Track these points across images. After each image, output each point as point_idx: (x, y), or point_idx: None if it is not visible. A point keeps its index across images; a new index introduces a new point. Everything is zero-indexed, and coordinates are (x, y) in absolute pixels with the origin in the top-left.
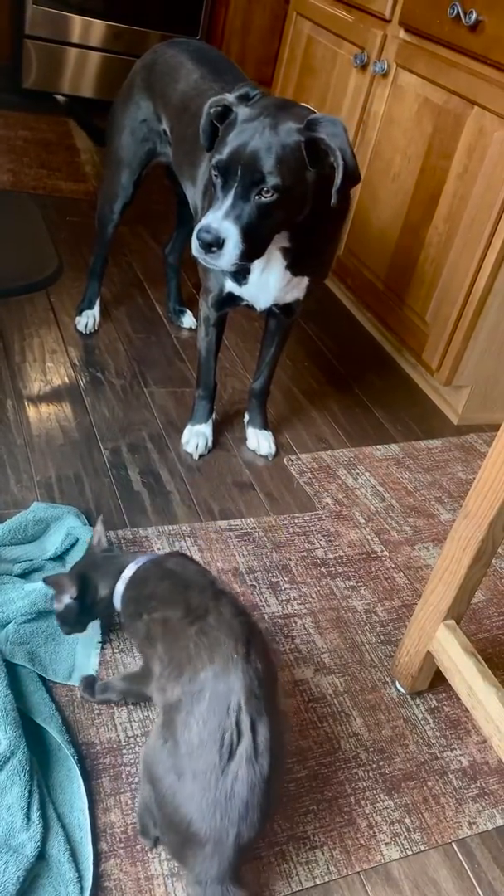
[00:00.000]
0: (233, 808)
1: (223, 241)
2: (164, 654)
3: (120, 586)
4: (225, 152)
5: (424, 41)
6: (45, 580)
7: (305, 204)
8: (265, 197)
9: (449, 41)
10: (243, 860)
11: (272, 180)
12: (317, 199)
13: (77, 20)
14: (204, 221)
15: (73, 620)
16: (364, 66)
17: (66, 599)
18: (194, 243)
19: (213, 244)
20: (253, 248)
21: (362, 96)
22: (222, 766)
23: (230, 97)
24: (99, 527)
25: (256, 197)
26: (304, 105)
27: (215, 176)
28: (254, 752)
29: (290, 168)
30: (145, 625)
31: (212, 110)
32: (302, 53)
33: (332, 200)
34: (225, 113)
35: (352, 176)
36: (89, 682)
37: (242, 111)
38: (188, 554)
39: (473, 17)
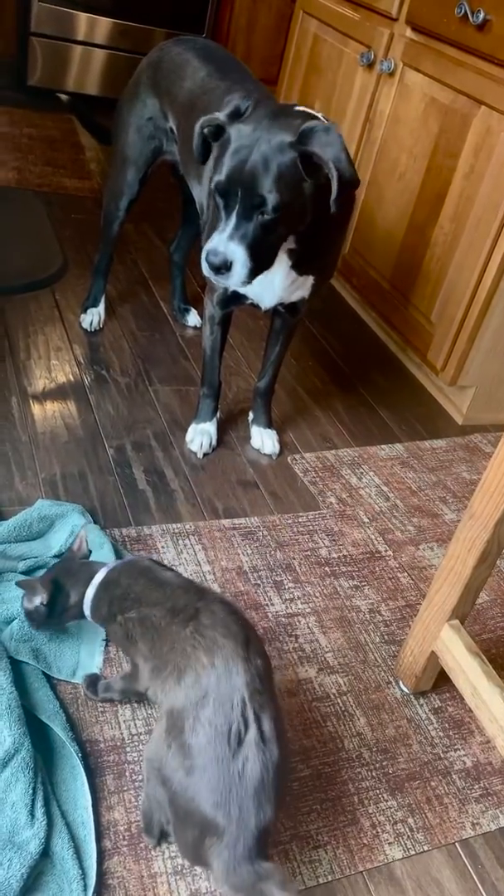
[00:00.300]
0: (248, 786)
1: (231, 263)
2: (151, 652)
3: (90, 592)
4: (223, 175)
5: (431, 40)
6: (18, 583)
7: (307, 214)
8: (267, 215)
9: (456, 40)
10: (267, 840)
11: (272, 201)
12: (318, 206)
13: (83, 17)
14: (210, 245)
15: (41, 621)
16: (370, 65)
17: (36, 601)
18: (203, 265)
19: (222, 267)
20: (260, 263)
21: (368, 95)
22: (232, 752)
23: (221, 116)
24: (83, 532)
25: (259, 217)
26: (299, 108)
27: (217, 197)
28: (261, 739)
29: (288, 185)
30: (121, 625)
31: (205, 130)
32: (308, 52)
33: (332, 209)
34: (218, 131)
35: (349, 184)
36: (92, 681)
37: (235, 130)
38: (193, 553)
39: (481, 16)
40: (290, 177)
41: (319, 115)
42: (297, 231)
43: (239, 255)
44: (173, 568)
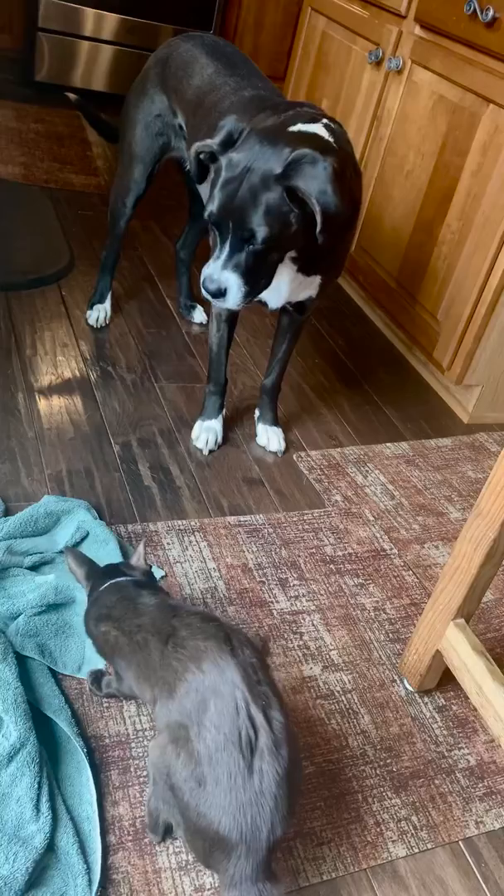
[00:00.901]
0: (264, 806)
1: (226, 289)
2: (131, 667)
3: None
4: (214, 208)
5: (440, 38)
6: (66, 550)
7: (299, 239)
8: (257, 246)
9: (465, 38)
10: (275, 855)
11: (261, 234)
12: (311, 230)
13: (90, 13)
14: (206, 271)
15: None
16: (379, 63)
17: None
18: (203, 290)
19: (218, 294)
20: (257, 285)
21: (376, 93)
22: (247, 765)
23: (214, 144)
24: (141, 548)
25: (250, 247)
26: (294, 129)
27: (211, 226)
28: (274, 744)
29: (276, 218)
30: (105, 635)
31: (202, 156)
32: (316, 49)
33: (319, 240)
34: (213, 156)
35: (332, 218)
36: (97, 677)
37: (225, 160)
38: (198, 550)
39: (490, 13)
40: (277, 210)
41: (320, 126)
42: (292, 250)
43: (233, 282)
44: (155, 584)
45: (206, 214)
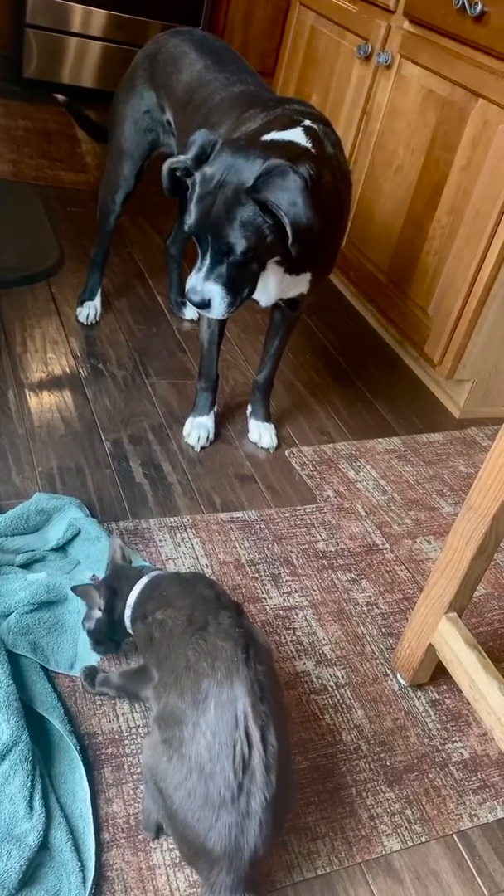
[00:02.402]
0: (248, 829)
1: (210, 300)
2: (164, 658)
3: (135, 592)
4: (192, 222)
5: (429, 32)
6: (74, 589)
7: (278, 247)
8: (236, 257)
9: (454, 32)
10: (257, 869)
11: (239, 247)
12: (285, 235)
13: (78, 9)
14: (189, 283)
15: (104, 637)
16: (368, 58)
17: (96, 614)
18: (188, 300)
19: (202, 305)
20: (240, 294)
21: (366, 88)
22: (238, 782)
23: (188, 160)
24: (116, 541)
25: (229, 259)
26: (267, 138)
27: (192, 238)
28: (265, 767)
29: (251, 231)
30: (147, 627)
31: (178, 173)
32: (305, 44)
33: (292, 252)
34: (188, 171)
35: (305, 229)
36: (90, 673)
37: (199, 175)
38: (191, 546)
39: (479, 7)
40: (251, 223)
41: (297, 131)
42: (274, 257)
43: (216, 293)
44: (216, 584)
45: (185, 227)
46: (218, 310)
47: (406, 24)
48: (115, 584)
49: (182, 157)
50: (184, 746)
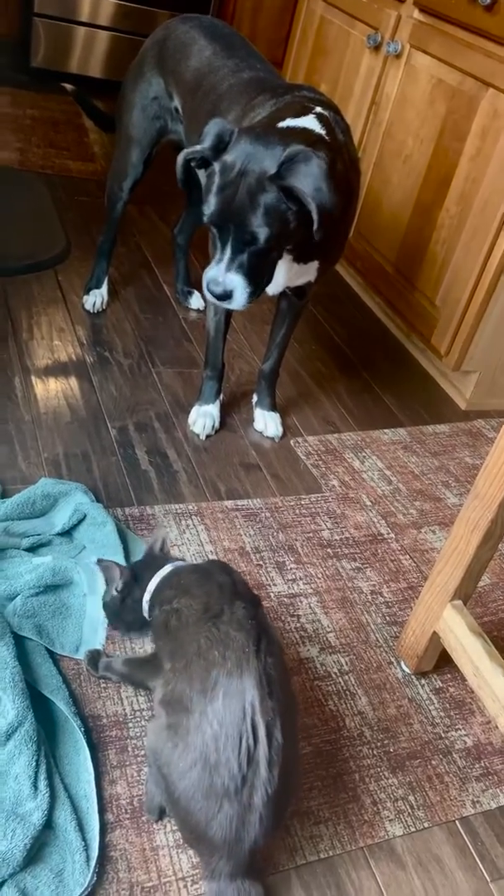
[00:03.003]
0: (249, 822)
1: (231, 291)
2: (177, 647)
3: (154, 581)
4: (213, 212)
5: (439, 21)
6: (100, 562)
7: (299, 233)
8: (259, 246)
9: (464, 22)
10: (257, 856)
11: (262, 235)
12: (309, 225)
13: None
14: (210, 274)
15: (116, 617)
16: (377, 47)
17: (113, 592)
18: (207, 294)
19: (223, 297)
20: (260, 284)
21: (375, 77)
22: (241, 775)
23: (206, 149)
24: (160, 531)
25: (251, 248)
26: (283, 125)
27: (211, 229)
28: (268, 763)
29: (275, 218)
30: (164, 614)
31: (193, 164)
32: (314, 34)
33: (315, 237)
34: (204, 162)
35: (328, 214)
36: (94, 657)
37: (219, 165)
38: (196, 533)
39: None
40: (275, 210)
41: (310, 118)
42: (291, 245)
43: (238, 283)
44: (235, 572)
45: (204, 219)
46: (239, 301)
47: (416, 14)
48: (139, 570)
49: (198, 147)
50: (190, 735)
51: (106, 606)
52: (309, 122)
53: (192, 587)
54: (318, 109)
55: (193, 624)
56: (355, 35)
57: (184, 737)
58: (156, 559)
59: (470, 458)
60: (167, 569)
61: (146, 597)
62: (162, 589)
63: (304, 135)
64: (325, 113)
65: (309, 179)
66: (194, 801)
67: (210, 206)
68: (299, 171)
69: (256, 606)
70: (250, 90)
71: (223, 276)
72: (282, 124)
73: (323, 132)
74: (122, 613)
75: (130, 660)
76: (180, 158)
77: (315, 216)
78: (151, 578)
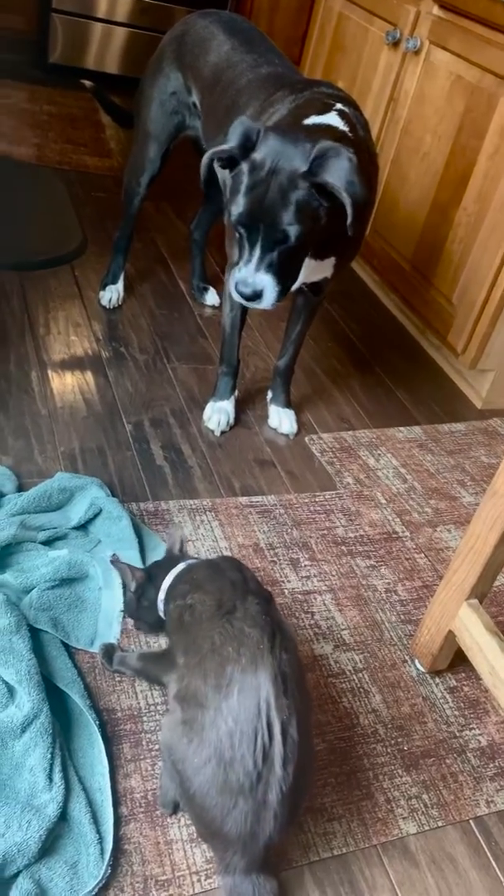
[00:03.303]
0: (264, 818)
1: (261, 290)
2: (191, 642)
3: (169, 579)
4: (242, 212)
5: (459, 18)
6: (114, 562)
7: (327, 230)
8: (291, 244)
9: (484, 18)
10: (271, 852)
11: (294, 233)
12: (336, 220)
13: None
14: (239, 275)
15: (135, 615)
16: (396, 44)
17: (129, 592)
18: (234, 294)
19: (253, 297)
20: (289, 281)
21: (393, 74)
22: (257, 772)
23: (234, 148)
24: (178, 532)
25: (281, 246)
26: (309, 122)
27: (239, 228)
28: (284, 758)
29: (306, 215)
30: (177, 609)
31: (218, 163)
32: (332, 31)
33: (349, 231)
34: (230, 160)
35: (360, 207)
36: (108, 651)
37: (248, 164)
38: (210, 529)
39: None
40: (307, 207)
41: (333, 115)
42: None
43: (268, 283)
44: (246, 569)
45: (232, 219)
46: (269, 300)
47: (436, 10)
48: (153, 570)
49: (225, 147)
50: (205, 731)
51: (127, 607)
52: (332, 118)
53: (205, 583)
54: (339, 106)
55: (207, 620)
56: (374, 31)
57: (199, 732)
58: (171, 559)
59: (486, 457)
60: (180, 566)
61: (161, 595)
62: (175, 585)
63: (329, 132)
64: (346, 109)
65: (342, 174)
66: (209, 798)
67: (239, 206)
68: (331, 167)
69: (269, 602)
70: (269, 85)
71: (253, 276)
72: (307, 121)
73: (346, 129)
74: (141, 614)
75: (145, 655)
76: (206, 158)
77: (349, 210)
78: (165, 577)
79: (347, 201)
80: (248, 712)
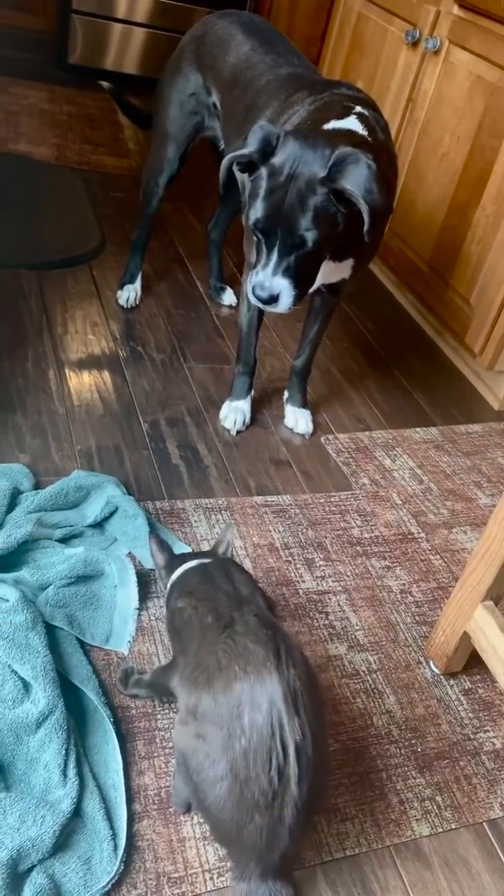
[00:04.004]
0: (280, 834)
1: (278, 294)
2: (187, 648)
3: (173, 577)
4: (260, 216)
5: (479, 17)
6: (150, 537)
7: (344, 235)
8: (309, 249)
9: None
10: (287, 861)
11: (311, 238)
12: (354, 225)
13: None
14: (256, 279)
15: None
16: (415, 44)
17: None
18: (252, 298)
19: (270, 301)
20: (305, 287)
21: (412, 74)
22: (272, 790)
23: (253, 153)
24: (228, 535)
25: (299, 251)
26: (329, 127)
27: (256, 233)
28: (299, 777)
29: (324, 220)
30: (171, 612)
31: (237, 167)
32: (351, 30)
33: (366, 238)
34: (249, 165)
35: (378, 214)
36: (126, 674)
37: (267, 169)
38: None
39: None
40: (325, 212)
41: (352, 119)
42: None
43: (285, 287)
44: (236, 571)
45: (250, 223)
46: (285, 304)
47: (455, 9)
48: (172, 560)
49: (245, 151)
50: (220, 749)
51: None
52: (352, 123)
53: (195, 589)
54: (359, 109)
55: (204, 630)
56: (393, 31)
57: (214, 748)
58: (191, 555)
59: (502, 459)
60: (186, 566)
61: (168, 586)
62: (175, 585)
63: (349, 137)
64: (366, 112)
65: (360, 181)
66: (225, 811)
67: (257, 210)
68: (350, 173)
69: (253, 596)
70: (288, 86)
71: (270, 280)
72: (326, 126)
73: (365, 133)
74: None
75: (155, 670)
76: (225, 162)
77: (367, 217)
78: (175, 571)
79: (365, 208)
80: (260, 733)
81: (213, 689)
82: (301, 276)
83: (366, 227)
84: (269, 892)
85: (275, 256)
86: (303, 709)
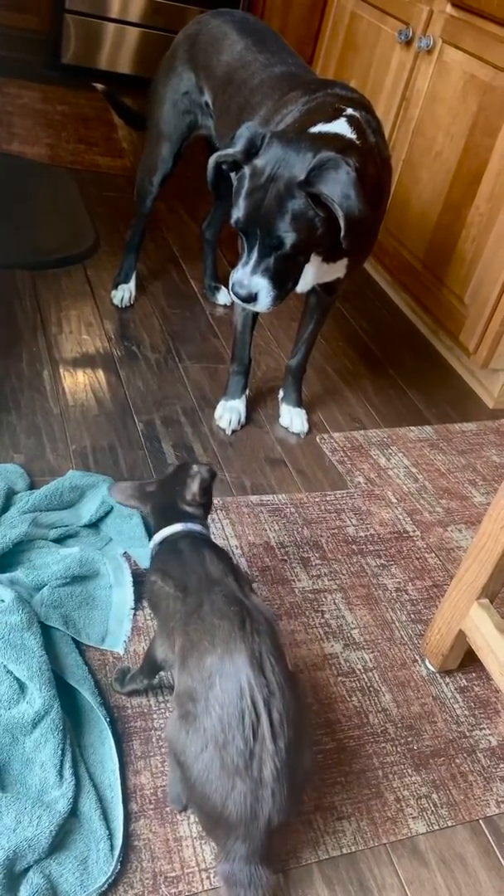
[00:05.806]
0: (262, 796)
1: (256, 293)
2: (162, 621)
3: (155, 539)
4: (241, 216)
5: (472, 16)
6: (111, 488)
7: (326, 239)
8: (285, 251)
9: (498, 17)
10: (273, 841)
11: (289, 240)
12: (334, 227)
13: None
14: (236, 276)
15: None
16: (408, 43)
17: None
18: (232, 295)
19: (248, 299)
20: (285, 288)
21: (406, 73)
22: (249, 750)
23: (237, 153)
24: (201, 471)
25: (277, 252)
26: (315, 130)
27: (238, 232)
28: (273, 736)
29: (302, 224)
30: (148, 584)
31: (224, 167)
32: (344, 30)
33: (343, 245)
34: (235, 165)
35: (356, 221)
36: (121, 673)
37: (249, 169)
38: (221, 527)
39: None
40: (303, 216)
41: (341, 122)
42: (317, 250)
43: (263, 286)
44: (208, 548)
45: (232, 221)
46: (264, 303)
47: (449, 9)
48: (157, 513)
49: (230, 151)
50: (198, 720)
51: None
52: (340, 126)
53: (168, 567)
54: (349, 111)
55: (175, 605)
56: (386, 30)
57: (193, 723)
58: (174, 511)
59: (497, 457)
60: (173, 529)
61: (150, 548)
62: (153, 558)
63: (335, 140)
64: (356, 114)
65: (338, 186)
66: (209, 783)
67: (238, 209)
68: (328, 178)
69: (227, 575)
70: (282, 85)
71: (248, 278)
72: (313, 129)
73: (354, 136)
74: None
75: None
76: (212, 161)
77: (343, 223)
78: (159, 531)
79: (340, 214)
80: (231, 696)
81: (188, 667)
82: (280, 276)
83: (342, 234)
84: (251, 875)
85: (255, 255)
86: (270, 669)
